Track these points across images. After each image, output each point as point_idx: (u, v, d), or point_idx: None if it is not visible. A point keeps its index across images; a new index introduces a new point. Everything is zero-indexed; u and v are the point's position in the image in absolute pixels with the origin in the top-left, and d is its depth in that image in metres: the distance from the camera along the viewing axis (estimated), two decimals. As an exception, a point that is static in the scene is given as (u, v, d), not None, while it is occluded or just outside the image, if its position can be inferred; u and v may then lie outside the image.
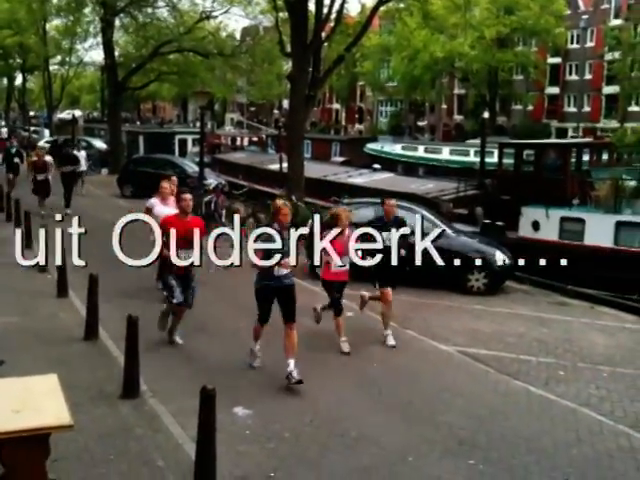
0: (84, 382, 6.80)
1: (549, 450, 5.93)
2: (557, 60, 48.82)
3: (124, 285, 10.58)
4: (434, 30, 37.31)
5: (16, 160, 21.67)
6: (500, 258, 12.18)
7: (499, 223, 15.57)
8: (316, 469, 5.43)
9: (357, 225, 12.78)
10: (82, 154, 24.02)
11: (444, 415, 6.54)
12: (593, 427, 6.47)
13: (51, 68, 50.58)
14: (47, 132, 48.12)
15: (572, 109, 48.72)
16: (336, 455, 5.68)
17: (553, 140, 35.51)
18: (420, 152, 37.65)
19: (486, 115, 40.54)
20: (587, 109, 47.53)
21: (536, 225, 15.20)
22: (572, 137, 42.63)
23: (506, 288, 12.49)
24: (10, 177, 21.19)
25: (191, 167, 23.62)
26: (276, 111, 71.35)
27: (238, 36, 39.28)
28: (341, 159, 37.68)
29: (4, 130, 48.27)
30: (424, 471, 5.45)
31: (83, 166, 22.97)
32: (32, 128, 54.57)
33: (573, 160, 16.48)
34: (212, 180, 20.91)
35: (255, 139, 50.16)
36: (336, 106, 70.38)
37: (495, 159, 22.38)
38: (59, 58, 49.27)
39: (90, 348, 7.99)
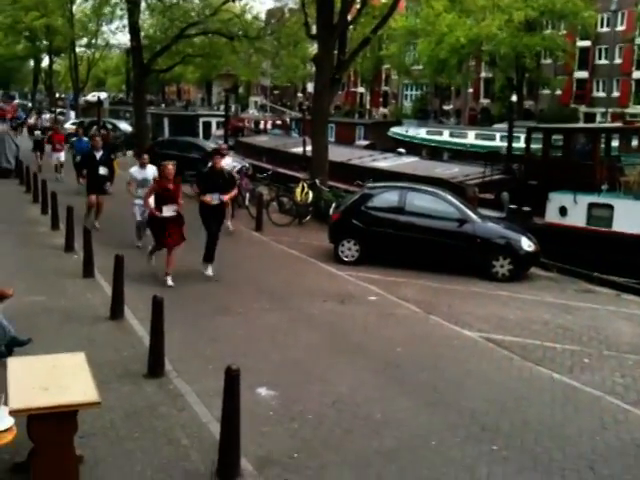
0: (110, 361, 6.89)
1: (573, 438, 5.88)
2: (586, 44, 47.95)
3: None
4: (460, 13, 36.77)
5: (103, 172, 13.95)
6: (526, 244, 12.06)
7: (526, 208, 15.40)
8: (340, 451, 5.44)
9: (377, 210, 12.90)
10: (230, 164, 15.57)
11: (468, 401, 6.51)
12: (618, 415, 6.40)
13: (77, 50, 50.95)
14: (73, 114, 48.52)
15: (601, 94, 47.90)
16: (359, 438, 5.69)
17: (582, 125, 34.95)
18: (445, 136, 37.32)
19: (514, 99, 40.03)
20: (616, 94, 46.69)
21: (563, 211, 15.00)
22: (600, 122, 41.94)
23: (531, 275, 12.37)
24: (92, 200, 13.94)
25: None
26: (300, 94, 71.16)
27: (263, 18, 39.06)
28: (365, 143, 37.51)
29: (46, 117, 44.48)
30: (447, 455, 5.44)
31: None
32: (58, 110, 55.10)
33: (602, 145, 16.21)
34: (236, 163, 20.94)
35: (278, 122, 50.11)
36: (361, 90, 69.94)
37: (522, 144, 22.11)
38: (85, 40, 49.52)
39: (116, 327, 8.08)
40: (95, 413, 5.21)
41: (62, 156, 22.40)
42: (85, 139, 20.83)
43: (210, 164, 11.64)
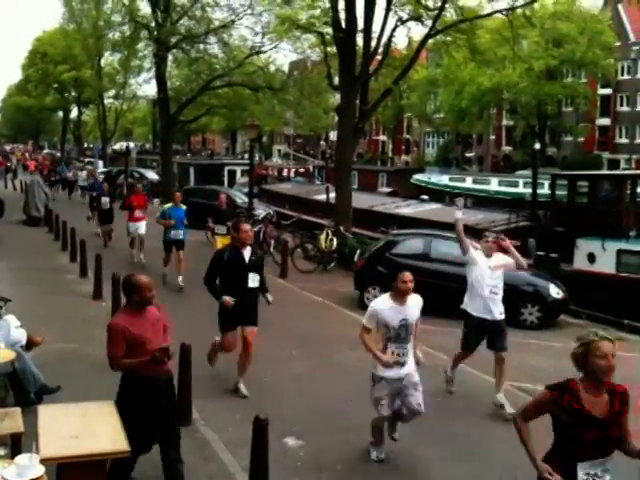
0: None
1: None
2: (608, 91, 48.19)
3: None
4: (481, 63, 37.33)
5: (253, 283, 7.62)
6: (554, 291, 11.94)
7: (553, 255, 15.30)
8: (369, 503, 5.33)
9: (402, 257, 12.87)
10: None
11: (500, 451, 6.37)
12: (657, 468, 6.20)
13: (105, 101, 52.40)
14: (101, 163, 49.54)
15: (624, 140, 47.88)
16: (389, 490, 5.57)
17: (607, 171, 34.88)
18: (468, 183, 37.47)
19: (537, 146, 40.21)
20: (639, 140, 46.64)
21: (592, 257, 14.88)
22: (624, 169, 41.82)
23: (561, 322, 12.21)
24: (231, 343, 7.70)
25: (240, 198, 23.94)
26: (323, 142, 72.05)
27: (286, 69, 39.99)
28: (388, 190, 37.75)
29: (83, 174, 33.74)
30: (480, 509, 5.30)
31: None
32: (87, 159, 56.37)
33: (628, 192, 16.17)
34: (261, 210, 21.21)
35: (302, 170, 50.70)
36: (383, 138, 70.68)
37: (545, 190, 22.09)
38: (113, 92, 50.97)
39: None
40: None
41: (143, 227, 15.69)
42: (184, 207, 13.92)
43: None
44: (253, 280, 7.60)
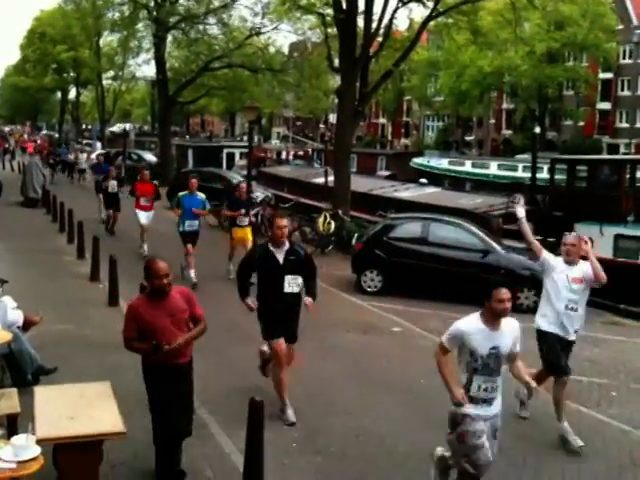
0: (134, 390, 6.86)
1: (601, 473, 5.79)
2: (609, 75, 47.95)
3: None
4: (482, 46, 37.12)
5: (290, 288, 6.63)
6: (551, 275, 11.94)
7: (551, 240, 15.29)
8: (363, 485, 5.37)
9: (400, 240, 12.87)
10: None
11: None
12: (649, 451, 6.26)
13: (104, 82, 52.10)
14: (99, 145, 49.35)
15: (624, 125, 47.72)
16: (383, 472, 5.62)
17: (607, 156, 34.81)
18: (467, 167, 37.36)
19: (537, 130, 40.05)
20: (639, 125, 46.53)
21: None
22: (624, 153, 41.73)
23: (557, 307, 12.24)
24: (282, 348, 6.64)
25: (238, 180, 23.88)
26: (322, 125, 71.76)
27: (286, 51, 39.73)
28: (386, 173, 37.66)
29: (83, 156, 32.75)
30: (473, 491, 5.33)
31: None
32: (85, 141, 56.14)
33: (628, 176, 16.14)
34: (259, 193, 21.17)
35: (300, 153, 50.53)
36: (382, 120, 70.37)
37: (545, 174, 22.05)
38: (112, 73, 50.68)
39: (140, 356, 8.08)
40: (120, 443, 5.20)
41: (147, 218, 15.02)
42: (201, 195, 12.79)
43: None
44: (290, 284, 6.52)
